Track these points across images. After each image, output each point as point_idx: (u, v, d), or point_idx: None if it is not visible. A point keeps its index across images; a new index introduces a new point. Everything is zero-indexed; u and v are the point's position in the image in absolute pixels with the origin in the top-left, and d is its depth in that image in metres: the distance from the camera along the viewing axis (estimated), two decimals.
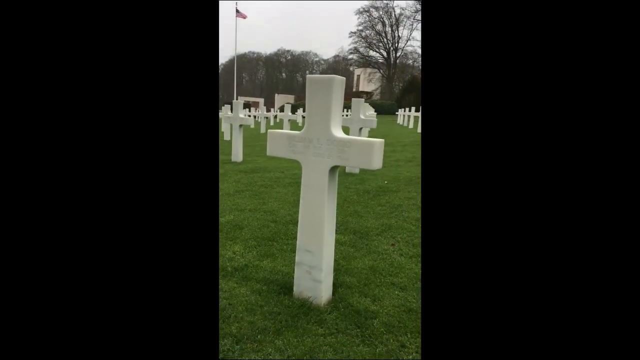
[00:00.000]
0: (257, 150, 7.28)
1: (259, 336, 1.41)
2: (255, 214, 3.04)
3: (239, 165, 5.52)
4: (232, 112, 6.08)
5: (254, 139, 9.98)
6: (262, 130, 12.75)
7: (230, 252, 2.24)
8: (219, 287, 1.80)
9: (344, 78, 1.54)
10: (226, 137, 9.47)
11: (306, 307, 1.60)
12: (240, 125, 5.83)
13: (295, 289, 1.73)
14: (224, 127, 10.96)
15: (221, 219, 2.85)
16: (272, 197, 3.57)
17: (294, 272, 1.84)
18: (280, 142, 1.65)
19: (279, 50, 59.91)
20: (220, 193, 3.69)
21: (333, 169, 1.54)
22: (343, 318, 1.53)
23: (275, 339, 1.39)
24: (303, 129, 1.56)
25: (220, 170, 4.94)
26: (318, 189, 1.56)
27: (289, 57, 59.55)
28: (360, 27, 42.04)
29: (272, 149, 1.69)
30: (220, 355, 1.30)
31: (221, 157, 6.27)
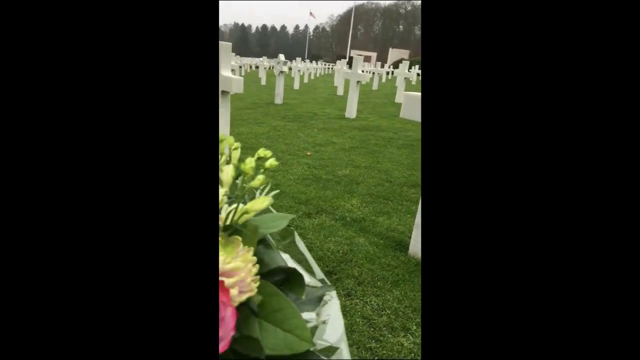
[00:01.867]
0: (369, 108, 7.29)
1: (378, 283, 1.56)
2: (370, 171, 3.16)
3: (352, 121, 5.64)
4: (349, 67, 6.10)
5: (367, 95, 9.94)
6: (375, 87, 12.54)
7: (348, 204, 2.41)
8: (340, 233, 2.00)
9: None
10: (339, 92, 9.63)
11: None
12: (358, 82, 5.86)
13: (410, 248, 1.82)
14: (337, 82, 11.11)
15: (338, 172, 3.05)
16: (386, 157, 3.63)
17: (410, 232, 1.92)
18: (418, 106, 1.66)
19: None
20: (336, 147, 3.89)
21: None
22: None
23: (393, 288, 1.52)
24: None
25: (335, 126, 5.14)
26: None
27: (409, 8, 55.25)
28: None
29: (407, 112, 1.71)
30: (344, 292, 1.49)
31: (334, 112, 6.47)
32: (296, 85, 10.45)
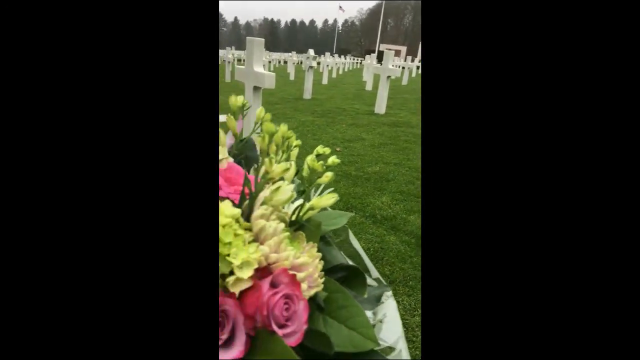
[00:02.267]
0: (399, 103, 7.16)
1: (410, 282, 1.54)
2: (400, 168, 3.11)
3: (381, 117, 5.56)
4: (379, 62, 6.02)
5: (396, 90, 9.78)
6: (404, 82, 12.30)
7: (379, 202, 2.39)
8: (370, 231, 1.99)
9: None
10: (368, 87, 9.53)
11: None
12: (388, 77, 5.77)
13: None
14: (366, 77, 10.99)
15: (368, 169, 3.03)
16: (416, 155, 3.56)
17: None
18: None
19: None
20: (365, 143, 3.86)
21: None
22: None
23: None
24: None
25: (364, 121, 5.10)
26: None
27: None
28: None
29: None
30: None
31: (363, 107, 6.41)
32: (324, 80, 10.43)
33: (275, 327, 0.23)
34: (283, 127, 0.28)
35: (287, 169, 0.25)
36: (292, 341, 0.23)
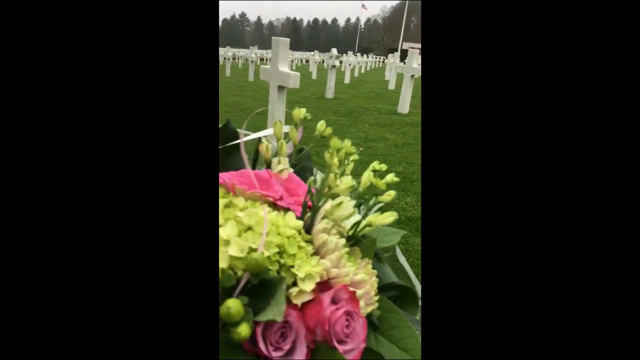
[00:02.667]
0: None
1: None
2: None
3: (405, 117, 5.49)
4: (403, 61, 5.94)
5: (419, 89, 9.62)
6: None
7: (402, 203, 2.37)
8: None
9: None
10: (390, 86, 9.42)
11: None
12: (412, 76, 5.68)
13: None
14: (389, 76, 10.86)
15: (392, 169, 3.00)
16: None
17: None
18: None
19: None
20: (388, 143, 3.82)
21: None
22: None
23: None
24: None
25: (387, 121, 5.05)
26: None
27: None
28: None
29: None
30: None
31: (386, 107, 6.35)
32: (347, 79, 10.39)
33: (335, 343, 0.23)
34: (347, 143, 0.28)
35: (352, 186, 0.25)
36: (351, 357, 0.24)
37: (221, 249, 0.26)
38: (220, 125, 0.42)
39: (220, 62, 15.15)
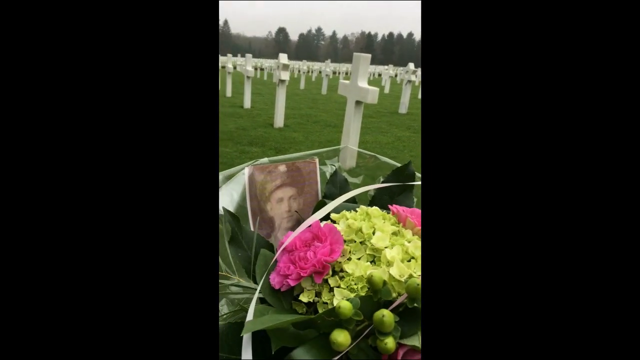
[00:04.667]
0: None
1: None
2: None
3: None
4: None
5: None
6: None
7: None
8: None
9: None
10: None
11: None
12: None
13: None
14: None
15: None
16: None
17: None
18: None
19: None
20: None
21: None
22: None
23: None
24: None
25: None
26: None
27: None
28: None
29: None
30: None
31: None
32: (421, 95, 10.17)
33: None
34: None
35: None
36: None
37: (383, 266, 0.28)
38: (400, 165, 0.47)
39: (295, 75, 15.87)
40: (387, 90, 11.39)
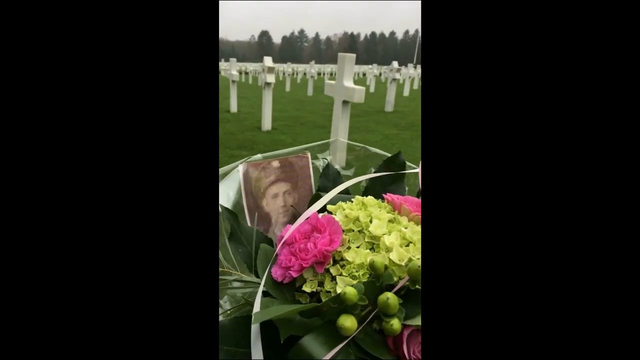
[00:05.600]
0: None
1: None
2: None
3: None
4: None
5: None
6: None
7: None
8: None
9: None
10: None
11: None
12: None
13: None
14: None
15: None
16: None
17: None
18: None
19: None
20: None
21: None
22: None
23: None
24: None
25: None
26: None
27: None
28: None
29: None
30: None
31: None
32: (406, 92, 10.26)
33: None
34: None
35: None
36: None
37: (382, 252, 0.29)
38: (390, 155, 0.47)
39: (280, 78, 15.84)
40: (372, 89, 11.46)
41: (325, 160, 0.54)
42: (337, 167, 0.52)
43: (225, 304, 0.37)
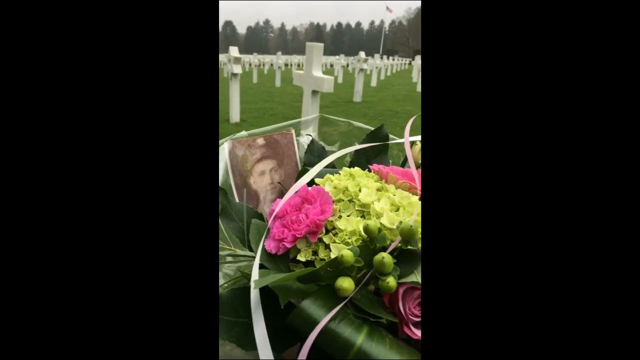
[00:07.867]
0: None
1: None
2: None
3: None
4: None
5: None
6: None
7: None
8: None
9: None
10: (419, 88, 9.33)
11: None
12: None
13: None
14: (416, 78, 10.77)
15: None
16: None
17: None
18: None
19: None
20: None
21: None
22: None
23: None
24: None
25: (418, 124, 5.01)
26: None
27: None
28: None
29: None
30: None
31: (416, 110, 6.30)
32: (373, 83, 10.38)
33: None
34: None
35: None
36: None
37: (373, 218, 0.30)
38: (373, 129, 0.48)
39: (247, 69, 15.48)
40: (340, 80, 11.50)
41: (309, 136, 0.55)
42: (321, 142, 0.53)
43: (220, 279, 0.37)
